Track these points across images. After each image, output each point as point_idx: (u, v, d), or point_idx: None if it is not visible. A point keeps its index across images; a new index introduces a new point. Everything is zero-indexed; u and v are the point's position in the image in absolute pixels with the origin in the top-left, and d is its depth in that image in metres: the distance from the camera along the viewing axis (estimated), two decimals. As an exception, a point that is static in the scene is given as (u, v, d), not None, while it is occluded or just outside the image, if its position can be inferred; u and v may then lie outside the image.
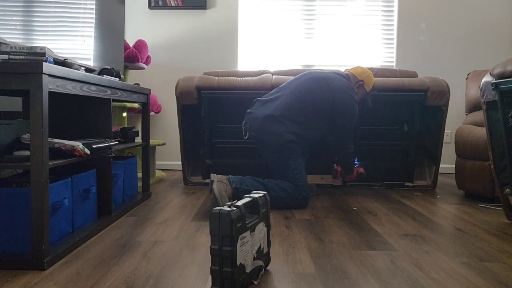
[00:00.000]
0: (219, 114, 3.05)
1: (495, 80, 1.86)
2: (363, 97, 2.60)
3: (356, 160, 2.72)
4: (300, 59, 3.85)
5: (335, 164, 2.70)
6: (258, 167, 3.00)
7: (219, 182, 2.13)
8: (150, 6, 3.81)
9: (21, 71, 1.32)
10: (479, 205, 2.42)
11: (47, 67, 1.35)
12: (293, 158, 2.29)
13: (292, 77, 2.65)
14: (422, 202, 2.50)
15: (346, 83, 2.43)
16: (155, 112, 3.56)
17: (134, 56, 3.11)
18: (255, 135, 2.35)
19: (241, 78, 2.93)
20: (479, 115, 2.68)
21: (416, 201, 2.52)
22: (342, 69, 3.20)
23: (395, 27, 3.84)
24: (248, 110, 2.46)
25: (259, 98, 2.48)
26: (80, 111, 1.97)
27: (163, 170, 3.82)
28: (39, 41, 1.98)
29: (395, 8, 3.84)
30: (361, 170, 2.66)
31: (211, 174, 2.18)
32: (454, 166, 2.84)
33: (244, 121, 2.45)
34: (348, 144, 2.45)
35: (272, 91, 2.49)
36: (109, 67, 2.00)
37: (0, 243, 1.40)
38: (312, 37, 3.85)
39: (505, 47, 3.82)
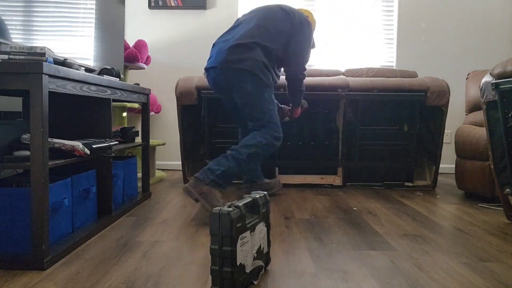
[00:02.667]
0: (219, 114, 3.04)
1: (495, 80, 1.86)
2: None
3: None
4: (300, 59, 3.85)
5: (284, 106, 2.57)
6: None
7: (192, 188, 1.92)
8: (150, 6, 3.81)
9: (21, 71, 1.32)
10: (479, 205, 2.42)
11: (47, 67, 1.35)
12: (268, 91, 2.18)
13: None
14: (422, 202, 2.50)
15: (302, 14, 2.37)
16: (155, 112, 3.56)
17: (134, 56, 3.11)
18: (224, 71, 2.16)
19: (241, 78, 2.92)
20: (479, 115, 2.68)
21: (416, 201, 2.52)
22: (342, 70, 3.21)
23: (395, 27, 3.84)
24: (211, 49, 2.33)
25: (217, 40, 2.33)
26: (80, 111, 1.97)
27: (163, 170, 3.82)
28: (39, 41, 1.98)
29: (395, 8, 3.84)
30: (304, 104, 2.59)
31: (183, 188, 1.97)
32: (454, 166, 2.84)
33: (204, 71, 2.33)
34: (301, 69, 2.34)
35: (227, 30, 2.34)
36: (109, 67, 2.00)
37: (0, 243, 1.40)
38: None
39: (505, 47, 3.82)
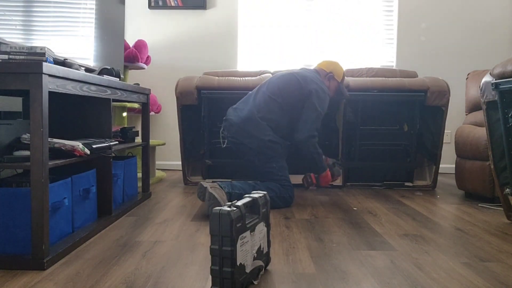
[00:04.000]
0: (219, 114, 3.04)
1: (495, 80, 1.86)
2: (337, 88, 2.60)
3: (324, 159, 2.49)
4: (300, 59, 3.85)
5: (308, 174, 2.50)
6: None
7: (213, 188, 2.08)
8: (150, 6, 3.81)
9: (21, 71, 1.32)
10: (479, 205, 2.42)
11: (47, 67, 1.35)
12: (275, 160, 2.31)
13: None
14: (422, 202, 2.50)
15: (315, 76, 2.46)
16: (155, 112, 3.56)
17: (134, 56, 3.11)
18: (235, 141, 2.35)
19: (241, 78, 2.93)
20: (479, 115, 2.68)
21: (416, 201, 2.52)
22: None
23: (395, 27, 3.84)
24: (224, 118, 2.46)
25: (232, 106, 2.48)
26: (80, 111, 1.97)
27: (163, 170, 3.82)
28: (39, 41, 1.98)
29: (395, 8, 3.84)
30: (337, 169, 2.48)
31: (200, 183, 2.10)
32: (454, 166, 2.84)
33: (222, 129, 2.47)
34: (309, 135, 2.31)
35: (243, 98, 2.51)
36: (109, 67, 2.00)
37: (0, 243, 1.40)
38: (312, 37, 3.85)
39: (505, 47, 3.82)
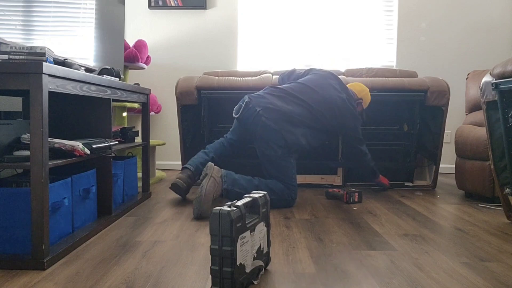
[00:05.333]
0: (219, 114, 3.05)
1: (495, 80, 1.86)
2: (360, 112, 2.67)
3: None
4: (300, 59, 3.85)
5: (335, 190, 2.60)
6: (258, 166, 3.00)
7: (212, 178, 2.10)
8: (150, 6, 3.81)
9: (21, 71, 1.32)
10: (479, 205, 2.42)
11: (47, 67, 1.35)
12: (294, 156, 2.32)
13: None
14: (422, 202, 2.50)
15: (350, 107, 2.49)
16: (155, 112, 3.56)
17: (134, 56, 3.11)
18: (270, 124, 2.25)
19: (241, 78, 2.93)
20: (479, 115, 2.68)
21: (416, 201, 2.52)
22: (342, 70, 3.21)
23: (395, 27, 3.84)
24: (257, 93, 2.40)
25: (271, 87, 2.44)
26: (80, 111, 1.97)
27: (163, 170, 3.82)
28: (39, 41, 1.98)
29: (395, 8, 3.84)
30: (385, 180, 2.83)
31: (209, 164, 2.16)
32: (454, 166, 2.84)
33: (248, 100, 2.36)
34: (354, 134, 2.57)
35: (288, 86, 2.46)
36: (109, 67, 2.00)
37: (0, 243, 1.40)
38: (312, 37, 3.85)
39: (505, 47, 3.82)
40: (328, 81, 2.51)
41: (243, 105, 2.37)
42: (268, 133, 2.26)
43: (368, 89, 2.70)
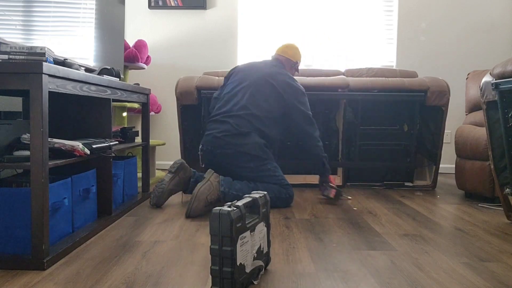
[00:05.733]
0: (219, 114, 3.04)
1: (495, 80, 1.86)
2: (297, 71, 2.66)
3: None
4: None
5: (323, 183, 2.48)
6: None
7: (209, 182, 2.12)
8: (150, 6, 3.81)
9: (21, 71, 1.32)
10: (479, 205, 2.42)
11: (47, 67, 1.35)
12: (269, 162, 2.29)
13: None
14: (422, 202, 2.50)
15: (287, 75, 2.43)
16: (155, 112, 3.56)
17: (134, 56, 3.11)
18: (224, 152, 2.25)
19: (241, 78, 2.93)
20: (479, 115, 2.68)
21: (416, 201, 2.52)
22: (342, 70, 3.21)
23: (395, 27, 3.84)
24: (205, 133, 2.37)
25: (211, 119, 2.39)
26: (80, 111, 1.97)
27: (163, 170, 3.82)
28: (39, 41, 1.98)
29: (395, 8, 3.84)
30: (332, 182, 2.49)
31: (209, 170, 2.20)
32: (454, 166, 2.84)
33: (201, 147, 2.36)
34: (314, 134, 2.41)
35: (220, 109, 2.38)
36: (109, 67, 2.00)
37: (0, 243, 1.40)
38: (312, 37, 3.85)
39: (505, 47, 3.82)
40: (252, 72, 2.44)
41: (202, 154, 2.38)
42: (231, 159, 2.27)
43: (296, 46, 2.60)
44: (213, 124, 2.35)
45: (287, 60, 2.57)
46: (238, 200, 1.28)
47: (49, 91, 1.38)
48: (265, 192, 1.39)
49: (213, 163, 2.33)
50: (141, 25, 3.85)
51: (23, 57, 1.40)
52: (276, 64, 2.52)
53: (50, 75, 1.38)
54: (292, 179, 2.99)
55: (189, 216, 2.05)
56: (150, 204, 2.28)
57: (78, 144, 1.58)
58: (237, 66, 2.61)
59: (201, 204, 2.07)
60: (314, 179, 2.98)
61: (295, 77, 2.57)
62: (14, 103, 2.08)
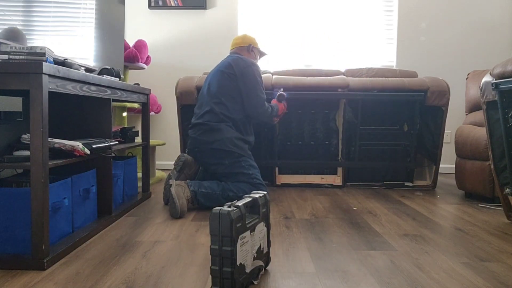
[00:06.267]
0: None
1: (495, 80, 1.86)
2: (259, 54, 2.64)
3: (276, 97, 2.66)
4: (300, 59, 3.85)
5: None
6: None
7: (177, 185, 2.15)
8: (150, 6, 3.81)
9: (21, 71, 1.32)
10: (479, 205, 2.42)
11: (47, 67, 1.35)
12: (244, 159, 2.29)
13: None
14: (422, 202, 2.50)
15: (236, 57, 2.44)
16: (155, 112, 3.55)
17: (134, 56, 3.11)
18: (200, 150, 2.31)
19: (241, 78, 2.93)
20: (479, 115, 2.68)
21: (416, 201, 2.52)
22: (342, 70, 3.21)
23: (395, 27, 3.84)
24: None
25: (189, 126, 2.44)
26: (80, 111, 1.97)
27: (163, 170, 3.82)
28: (39, 41, 1.98)
29: (395, 8, 3.84)
30: (281, 96, 2.65)
31: (170, 180, 2.25)
32: (454, 166, 2.84)
33: (186, 150, 2.44)
34: (258, 104, 2.40)
35: (195, 115, 2.44)
36: (109, 67, 2.00)
37: (0, 243, 1.40)
38: (312, 37, 3.85)
39: (505, 47, 3.82)
40: (214, 73, 2.46)
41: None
42: (208, 157, 2.31)
43: (244, 34, 2.62)
44: (192, 129, 2.40)
45: (239, 49, 2.56)
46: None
47: (49, 91, 1.38)
48: (265, 192, 1.39)
49: (198, 163, 2.41)
50: (141, 25, 3.85)
51: (23, 57, 1.40)
52: (231, 56, 2.50)
53: (50, 75, 1.38)
54: (292, 179, 2.99)
55: (180, 216, 2.04)
56: (164, 203, 2.36)
57: (78, 144, 1.58)
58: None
59: (184, 201, 2.09)
60: (314, 179, 2.99)
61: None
62: (14, 103, 2.07)
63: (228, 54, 2.63)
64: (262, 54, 2.66)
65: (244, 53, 2.56)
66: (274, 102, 2.63)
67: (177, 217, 2.04)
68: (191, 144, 2.38)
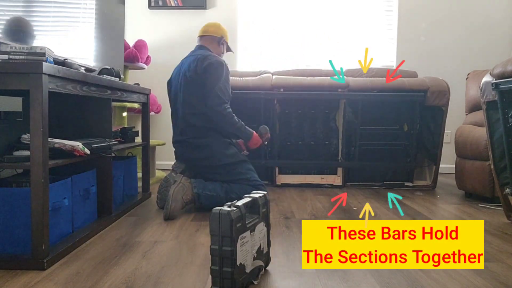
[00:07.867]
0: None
1: (495, 80, 1.86)
2: (227, 50, 2.51)
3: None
4: (300, 59, 3.85)
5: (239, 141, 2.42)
6: (257, 167, 3.00)
7: (181, 184, 2.11)
8: (150, 6, 3.81)
9: (21, 71, 1.32)
10: (479, 205, 2.42)
11: (47, 67, 1.35)
12: (239, 165, 2.25)
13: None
14: (422, 202, 2.50)
15: (201, 56, 2.26)
16: (155, 112, 3.55)
17: (134, 56, 3.11)
18: (193, 165, 2.28)
19: (241, 78, 2.93)
20: (479, 115, 2.68)
21: (416, 201, 2.52)
22: (343, 69, 3.21)
23: (395, 27, 3.84)
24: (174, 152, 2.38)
25: (173, 142, 2.36)
26: (80, 111, 1.97)
27: (163, 170, 3.82)
28: (39, 41, 1.98)
29: (396, 8, 3.84)
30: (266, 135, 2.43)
31: (178, 174, 2.18)
32: (454, 166, 2.84)
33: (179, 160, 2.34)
34: (217, 102, 2.20)
35: (174, 130, 2.36)
36: (109, 67, 2.00)
37: (0, 243, 1.40)
38: (312, 37, 3.85)
39: (505, 47, 3.82)
40: (180, 77, 2.34)
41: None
42: (202, 171, 2.27)
43: (215, 23, 2.45)
44: (177, 144, 2.31)
45: (211, 38, 2.40)
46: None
47: (49, 91, 1.38)
48: (265, 192, 1.39)
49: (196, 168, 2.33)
50: (141, 25, 3.85)
51: (23, 57, 1.40)
52: (197, 51, 2.35)
53: (50, 75, 1.38)
54: (292, 179, 2.99)
55: (169, 218, 2.01)
56: (159, 207, 2.28)
57: (78, 144, 1.58)
58: (170, 78, 2.50)
59: (179, 204, 2.06)
60: (314, 179, 2.99)
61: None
62: (14, 103, 2.07)
63: (197, 41, 2.44)
64: (229, 49, 2.52)
65: (214, 44, 2.40)
66: (254, 134, 2.38)
67: (166, 219, 2.02)
68: (181, 158, 2.30)
